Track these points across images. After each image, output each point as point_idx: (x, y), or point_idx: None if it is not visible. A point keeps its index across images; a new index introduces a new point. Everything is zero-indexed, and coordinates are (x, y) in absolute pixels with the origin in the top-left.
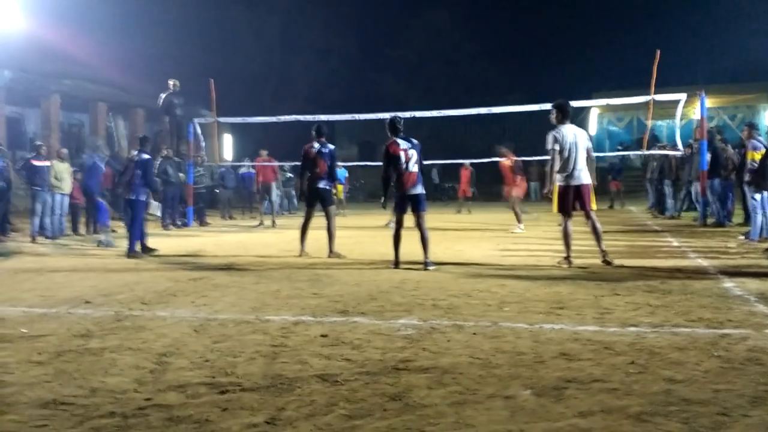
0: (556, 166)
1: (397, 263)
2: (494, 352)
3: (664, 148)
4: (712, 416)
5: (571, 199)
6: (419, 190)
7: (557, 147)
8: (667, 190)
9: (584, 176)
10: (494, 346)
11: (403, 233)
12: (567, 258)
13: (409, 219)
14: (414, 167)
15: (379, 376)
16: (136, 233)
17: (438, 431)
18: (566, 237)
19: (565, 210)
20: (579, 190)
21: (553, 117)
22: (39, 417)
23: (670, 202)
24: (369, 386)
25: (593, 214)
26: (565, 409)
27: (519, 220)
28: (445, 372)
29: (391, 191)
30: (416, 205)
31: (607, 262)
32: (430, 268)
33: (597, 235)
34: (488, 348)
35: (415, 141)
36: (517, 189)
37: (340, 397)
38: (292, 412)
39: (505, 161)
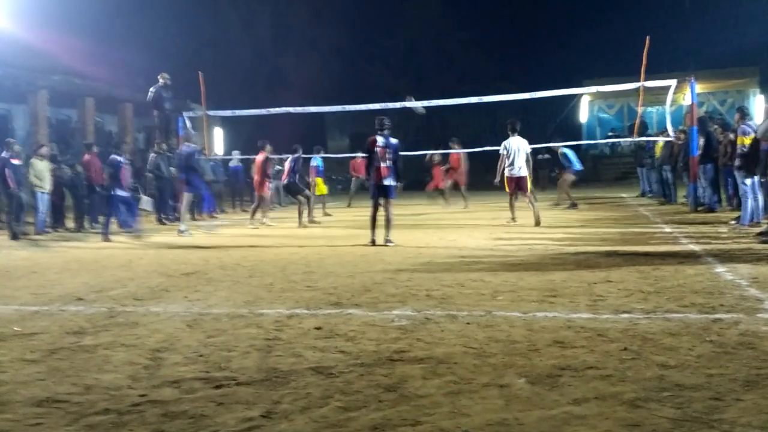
0: (504, 164)
1: (373, 242)
2: (488, 341)
3: (661, 134)
4: (706, 401)
5: (513, 184)
6: (389, 182)
7: (505, 152)
8: (668, 175)
9: (522, 171)
10: (488, 336)
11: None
12: (513, 219)
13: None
14: (388, 162)
15: (373, 367)
16: None
17: (433, 421)
18: (511, 207)
19: (510, 190)
20: (518, 179)
21: (509, 129)
22: (33, 415)
23: (671, 187)
24: (364, 378)
25: (529, 195)
26: (560, 397)
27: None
28: (440, 362)
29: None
30: (386, 193)
31: (537, 224)
32: (390, 244)
33: (533, 207)
34: (482, 337)
35: (393, 141)
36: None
37: (335, 390)
38: (287, 405)
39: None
